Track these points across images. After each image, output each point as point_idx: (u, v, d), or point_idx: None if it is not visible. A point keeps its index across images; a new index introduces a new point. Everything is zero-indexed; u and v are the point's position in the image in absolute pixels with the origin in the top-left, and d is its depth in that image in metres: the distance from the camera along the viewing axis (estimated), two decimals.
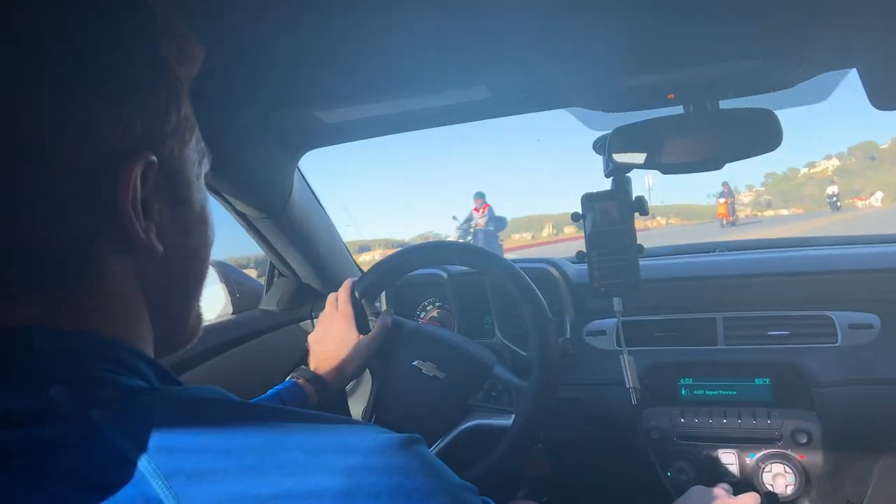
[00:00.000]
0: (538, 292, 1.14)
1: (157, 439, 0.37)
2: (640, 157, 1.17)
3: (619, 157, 1.16)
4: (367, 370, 1.21)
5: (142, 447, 0.37)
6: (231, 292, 1.57)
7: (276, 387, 1.06)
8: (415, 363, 1.20)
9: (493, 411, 1.15)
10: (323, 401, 1.07)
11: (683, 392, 1.34)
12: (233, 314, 1.55)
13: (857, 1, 0.79)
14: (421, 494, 0.40)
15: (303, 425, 0.41)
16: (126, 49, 0.44)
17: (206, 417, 0.40)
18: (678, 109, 1.13)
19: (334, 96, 1.08)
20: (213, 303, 1.58)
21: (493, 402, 1.16)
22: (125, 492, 0.36)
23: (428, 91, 1.08)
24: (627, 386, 1.18)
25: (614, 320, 1.17)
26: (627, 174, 1.21)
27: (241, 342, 1.44)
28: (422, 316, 1.70)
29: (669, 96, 1.07)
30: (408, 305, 1.69)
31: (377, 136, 1.27)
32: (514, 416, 1.11)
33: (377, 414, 1.18)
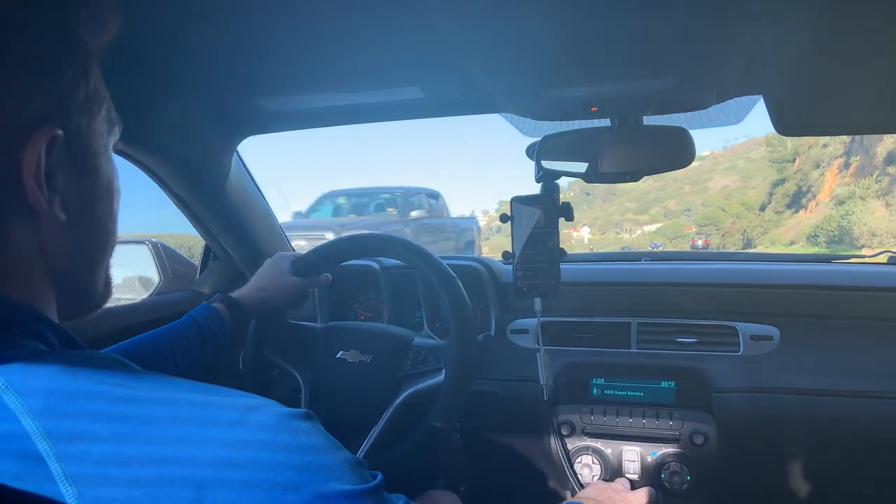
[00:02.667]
0: (460, 285, 1.18)
1: (44, 400, 0.39)
2: (566, 165, 1.23)
3: (547, 164, 1.21)
4: (298, 376, 1.25)
5: (29, 407, 0.38)
6: (164, 271, 1.57)
7: (192, 311, 1.09)
8: (339, 355, 1.25)
9: (422, 374, 1.21)
10: (237, 321, 1.11)
11: (595, 391, 1.41)
12: (164, 293, 1.55)
13: (760, 31, 0.85)
14: (305, 462, 0.42)
15: (192, 396, 0.43)
16: (28, 26, 0.45)
17: (96, 381, 0.41)
18: (606, 122, 1.20)
19: (273, 85, 1.10)
20: (146, 281, 1.59)
21: (420, 367, 1.22)
22: (9, 447, 0.37)
23: (364, 87, 1.11)
24: (542, 382, 1.23)
25: (536, 320, 1.23)
26: (556, 181, 1.26)
27: (168, 321, 1.44)
28: (356, 308, 1.74)
29: (593, 109, 1.13)
30: (343, 296, 1.73)
31: (315, 126, 1.30)
32: (443, 370, 1.17)
33: (316, 413, 1.20)
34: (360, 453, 1.14)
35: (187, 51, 0.96)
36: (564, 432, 1.38)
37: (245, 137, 1.33)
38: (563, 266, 1.22)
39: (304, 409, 0.45)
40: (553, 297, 1.22)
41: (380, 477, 0.47)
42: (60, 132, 0.46)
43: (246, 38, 0.93)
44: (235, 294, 1.15)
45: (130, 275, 1.63)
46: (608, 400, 1.39)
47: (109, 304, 1.53)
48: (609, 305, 1.50)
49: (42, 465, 0.37)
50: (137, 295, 1.55)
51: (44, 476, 0.37)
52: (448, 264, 1.23)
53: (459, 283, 1.19)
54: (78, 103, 0.49)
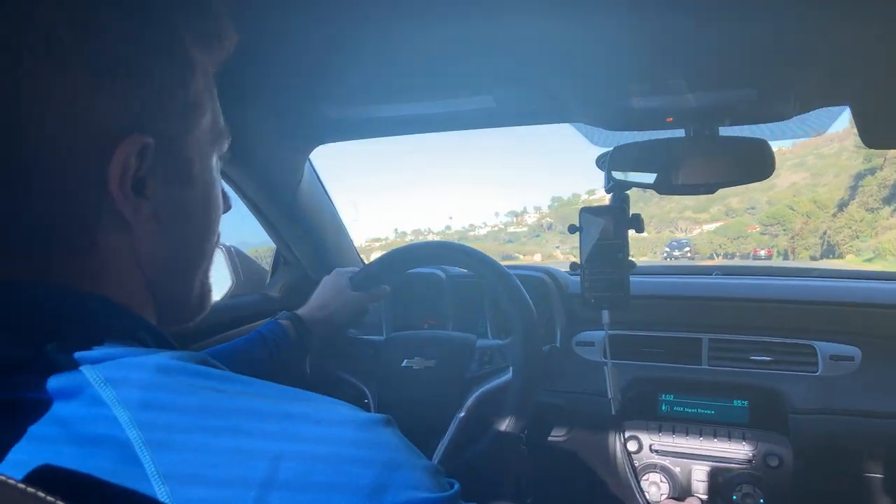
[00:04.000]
0: (519, 284, 1.17)
1: (141, 397, 0.39)
2: (638, 176, 1.21)
3: (618, 175, 1.19)
4: (364, 389, 1.27)
5: (127, 405, 0.39)
6: (236, 274, 1.61)
7: (260, 327, 1.12)
8: (404, 364, 1.26)
9: (490, 374, 1.20)
10: (302, 336, 1.14)
11: (663, 407, 1.38)
12: (236, 296, 1.59)
13: (847, 39, 0.82)
14: (389, 465, 0.41)
15: (278, 398, 0.43)
16: (129, 31, 0.45)
17: (190, 378, 0.42)
18: (680, 132, 1.17)
19: (345, 94, 1.11)
20: (219, 284, 1.63)
21: (487, 367, 1.22)
22: (105, 444, 0.38)
23: (435, 97, 1.12)
24: (609, 396, 1.22)
25: (603, 332, 1.21)
26: (626, 191, 1.24)
27: (239, 323, 1.48)
28: (421, 317, 1.74)
29: (668, 119, 1.10)
30: (409, 305, 1.74)
31: (384, 135, 1.31)
32: (510, 368, 1.17)
33: None
34: (435, 459, 1.14)
35: (262, 60, 0.98)
36: (631, 448, 1.36)
37: (317, 146, 1.35)
38: (634, 279, 1.20)
39: (385, 416, 0.44)
40: (622, 310, 1.20)
41: (457, 486, 0.46)
42: (151, 140, 0.46)
43: (320, 48, 0.94)
44: (301, 311, 1.18)
45: None
46: (677, 417, 1.36)
47: None
48: (679, 320, 1.46)
49: (136, 462, 0.37)
50: (216, 297, 1.58)
51: (138, 474, 0.37)
52: (515, 273, 1.22)
53: (517, 281, 1.18)
54: (174, 112, 0.48)
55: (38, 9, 0.41)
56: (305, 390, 0.46)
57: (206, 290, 0.59)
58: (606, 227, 1.21)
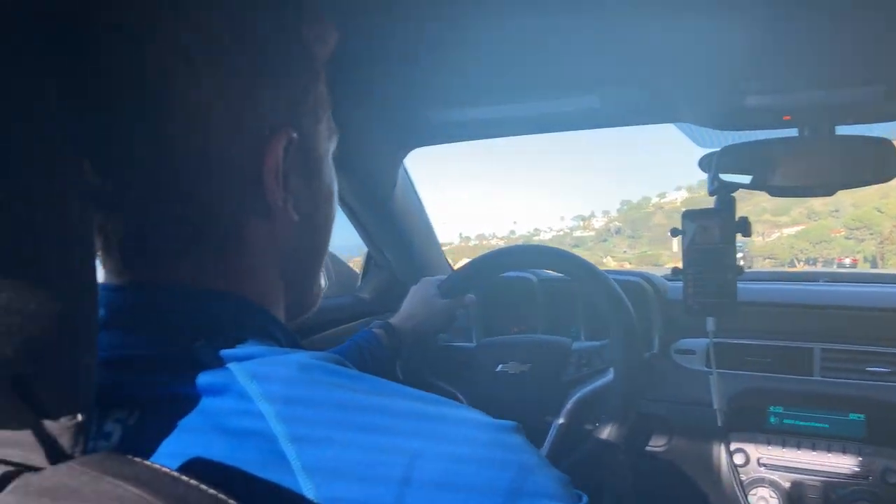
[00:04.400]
0: (627, 301, 1.14)
1: (285, 393, 0.40)
2: (747, 177, 1.16)
3: (727, 176, 1.15)
4: (460, 395, 1.26)
5: (272, 399, 0.40)
6: (328, 276, 1.63)
7: (354, 336, 1.14)
8: (499, 368, 1.25)
9: (588, 377, 1.18)
10: (394, 345, 1.15)
11: (772, 419, 1.32)
12: (328, 298, 1.61)
13: None
14: (523, 469, 0.41)
15: (412, 398, 0.44)
16: (279, 36, 0.48)
17: (327, 377, 0.43)
18: (791, 131, 1.12)
19: (446, 97, 1.11)
20: None
21: (585, 369, 1.19)
22: (253, 437, 0.39)
23: (538, 97, 1.10)
24: (715, 407, 1.17)
25: (705, 340, 1.17)
26: (732, 194, 1.20)
27: (333, 325, 1.50)
28: (512, 322, 1.73)
29: (785, 118, 1.05)
30: (499, 310, 1.73)
31: (481, 137, 1.30)
32: (611, 369, 1.14)
33: None
34: None
35: (362, 62, 0.98)
36: (738, 462, 1.30)
37: (413, 148, 1.35)
38: (740, 285, 1.15)
39: (514, 422, 0.44)
40: (729, 317, 1.16)
41: (585, 499, 0.46)
42: (296, 135, 0.48)
43: (419, 49, 0.93)
44: (392, 321, 1.19)
45: None
46: (787, 430, 1.29)
47: None
48: (787, 328, 1.40)
49: (281, 456, 0.38)
50: None
51: (284, 467, 0.38)
52: (612, 279, 1.19)
53: (613, 282, 1.15)
54: (308, 108, 0.51)
55: (204, 15, 0.44)
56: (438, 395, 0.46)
57: (321, 283, 0.62)
58: (711, 231, 1.17)
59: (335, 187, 0.59)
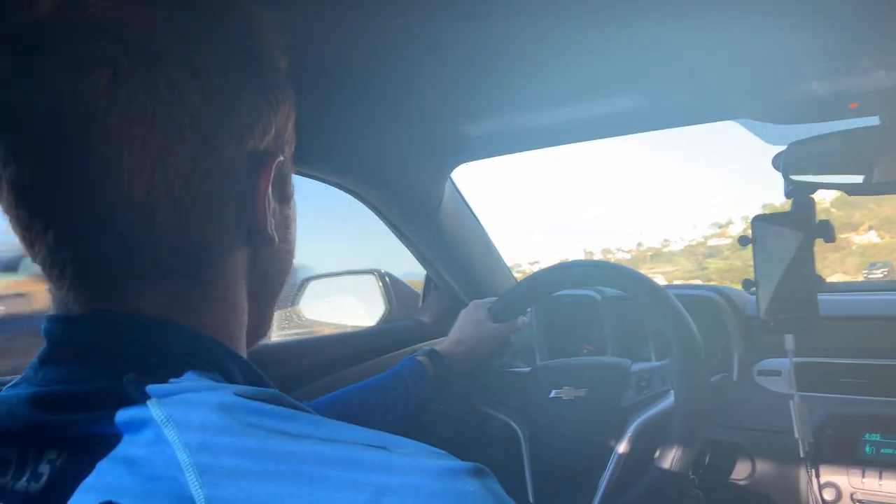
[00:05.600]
0: (682, 309, 1.06)
1: (198, 439, 0.38)
2: (822, 176, 1.04)
3: (797, 176, 1.04)
4: (513, 425, 1.20)
5: (185, 445, 0.38)
6: (389, 300, 1.61)
7: (397, 365, 1.10)
8: (552, 395, 1.17)
9: (649, 401, 1.09)
10: (440, 373, 1.11)
11: (868, 449, 1.15)
12: (389, 321, 1.60)
13: None
14: None
15: (351, 442, 0.40)
16: (265, 63, 0.49)
17: (252, 418, 0.40)
18: (872, 120, 0.99)
19: (478, 109, 1.08)
20: (374, 309, 1.64)
21: (645, 392, 1.11)
22: (166, 487, 0.37)
23: (576, 100, 1.04)
24: (796, 436, 1.04)
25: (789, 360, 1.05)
26: (811, 195, 1.07)
27: (393, 348, 1.48)
28: (578, 343, 1.64)
29: (852, 105, 0.93)
30: (563, 331, 1.64)
31: (523, 150, 1.26)
32: (672, 391, 1.06)
33: (537, 461, 1.16)
34: (595, 502, 1.04)
35: (395, 81, 0.97)
36: (828, 497, 1.15)
37: (455, 166, 1.32)
38: (822, 297, 1.02)
39: (475, 465, 0.39)
40: (810, 334, 1.03)
41: None
42: (283, 159, 0.50)
43: (449, 63, 0.90)
44: (439, 347, 1.15)
45: (359, 303, 1.71)
46: (886, 461, 1.13)
47: (341, 329, 1.61)
48: (882, 344, 1.23)
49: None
50: (365, 322, 1.61)
51: None
52: (679, 294, 1.10)
53: (671, 295, 1.07)
54: (289, 134, 0.53)
55: (213, 36, 0.45)
56: (390, 434, 0.42)
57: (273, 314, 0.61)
58: (786, 238, 1.05)
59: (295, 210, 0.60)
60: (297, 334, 1.60)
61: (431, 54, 0.86)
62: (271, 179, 0.48)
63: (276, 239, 0.50)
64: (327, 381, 1.23)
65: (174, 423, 0.39)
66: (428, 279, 1.63)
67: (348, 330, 1.57)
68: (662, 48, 0.86)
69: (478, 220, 1.55)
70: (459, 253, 1.49)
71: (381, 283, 1.64)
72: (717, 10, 0.74)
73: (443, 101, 1.06)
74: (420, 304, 1.66)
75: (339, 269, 1.78)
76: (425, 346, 1.17)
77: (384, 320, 1.60)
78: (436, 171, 1.32)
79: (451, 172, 1.35)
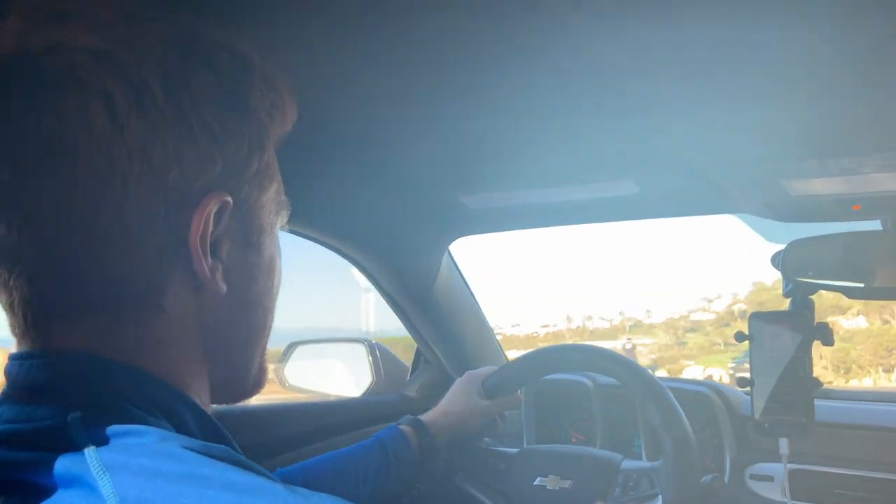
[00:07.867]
0: (679, 409, 1.03)
1: (140, 490, 0.37)
2: (823, 278, 1.03)
3: (797, 277, 1.03)
4: None
5: (124, 497, 0.36)
6: (377, 371, 1.58)
7: (379, 433, 1.06)
8: (536, 482, 1.14)
9: (634, 502, 1.06)
10: (424, 445, 1.06)
11: None
12: (374, 393, 1.56)
13: None
14: None
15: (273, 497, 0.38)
16: (219, 98, 0.46)
17: (198, 471, 0.38)
18: (874, 224, 0.99)
19: (478, 182, 1.08)
20: (360, 380, 1.60)
21: (632, 493, 1.07)
22: None
23: (575, 182, 1.05)
24: None
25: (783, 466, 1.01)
26: (810, 296, 1.06)
27: (375, 422, 1.43)
28: (567, 429, 1.60)
29: (854, 207, 0.93)
30: (552, 415, 1.59)
31: (523, 227, 1.26)
32: (659, 496, 1.02)
33: None
34: None
35: (396, 147, 0.97)
36: None
37: (454, 239, 1.32)
38: (819, 403, 1.00)
39: None
40: (805, 439, 1.00)
41: None
42: (230, 199, 0.46)
43: (452, 136, 0.91)
44: (424, 417, 1.11)
45: (346, 372, 1.67)
46: None
47: (321, 398, 1.58)
48: (884, 457, 1.18)
49: None
50: (350, 392, 1.57)
51: None
52: (671, 387, 1.07)
53: (669, 392, 1.05)
54: (250, 175, 0.49)
55: (135, 64, 0.42)
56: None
57: (263, 367, 0.57)
58: (783, 338, 1.03)
59: (279, 262, 0.56)
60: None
61: (434, 122, 0.87)
62: (209, 219, 0.45)
63: (223, 287, 0.47)
64: (304, 451, 1.19)
65: (110, 472, 0.37)
66: (418, 352, 1.60)
67: (331, 399, 1.53)
68: (663, 139, 0.87)
69: (472, 296, 1.53)
70: (453, 330, 1.47)
71: (369, 354, 1.61)
72: (718, 104, 0.74)
73: (443, 170, 1.06)
74: (408, 378, 1.62)
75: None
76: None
77: (369, 392, 1.56)
78: (435, 242, 1.32)
79: (449, 244, 1.34)
